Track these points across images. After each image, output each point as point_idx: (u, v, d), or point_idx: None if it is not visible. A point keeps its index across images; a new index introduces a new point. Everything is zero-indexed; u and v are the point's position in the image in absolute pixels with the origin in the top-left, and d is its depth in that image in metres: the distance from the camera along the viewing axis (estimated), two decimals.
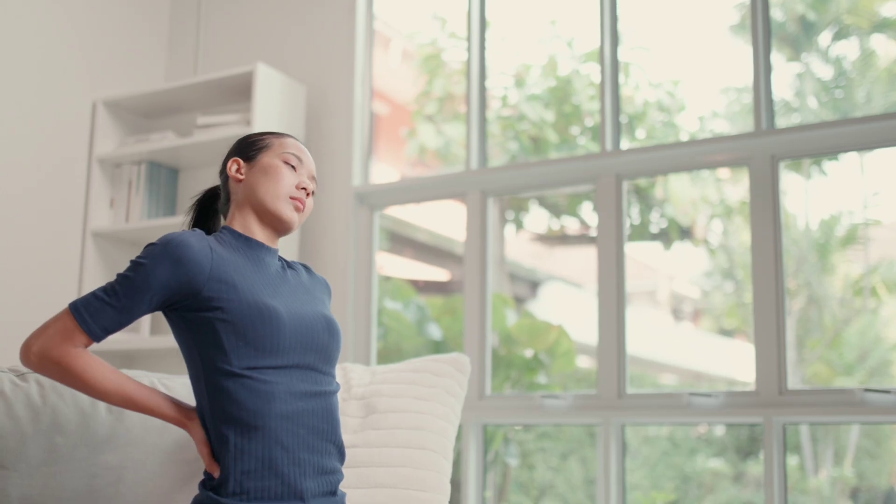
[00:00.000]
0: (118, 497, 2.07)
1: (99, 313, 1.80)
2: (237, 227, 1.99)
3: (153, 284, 1.81)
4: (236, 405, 1.81)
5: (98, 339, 1.82)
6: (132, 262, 1.84)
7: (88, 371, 1.80)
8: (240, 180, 2.00)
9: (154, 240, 1.87)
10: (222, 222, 2.11)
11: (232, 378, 1.81)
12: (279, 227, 1.98)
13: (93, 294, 1.82)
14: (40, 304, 3.89)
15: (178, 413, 1.87)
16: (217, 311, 1.83)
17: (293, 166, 1.99)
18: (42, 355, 1.80)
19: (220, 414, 1.82)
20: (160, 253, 1.83)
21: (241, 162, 2.01)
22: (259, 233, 1.99)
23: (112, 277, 4.07)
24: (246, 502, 1.79)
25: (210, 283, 1.83)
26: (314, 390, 1.88)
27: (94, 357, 1.83)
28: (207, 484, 1.84)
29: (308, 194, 2.00)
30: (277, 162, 1.98)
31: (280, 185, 1.96)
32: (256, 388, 1.81)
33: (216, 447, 1.84)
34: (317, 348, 1.90)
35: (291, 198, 1.97)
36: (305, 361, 1.88)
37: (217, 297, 1.83)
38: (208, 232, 2.08)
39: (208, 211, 2.13)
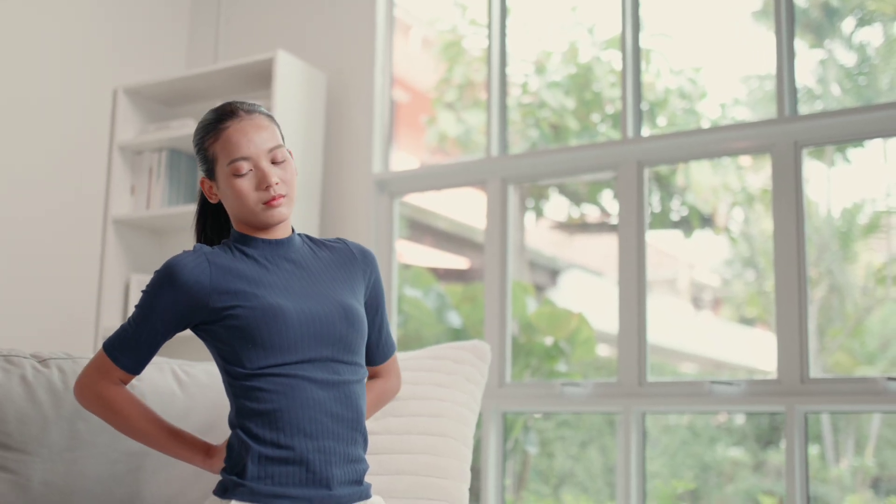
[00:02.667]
0: (139, 483, 2.08)
1: (127, 348, 1.89)
2: (239, 229, 1.95)
3: (160, 312, 1.87)
4: (256, 401, 1.82)
5: (133, 371, 1.91)
6: (142, 292, 1.90)
7: (126, 408, 1.89)
8: (218, 199, 1.96)
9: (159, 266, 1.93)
10: None
11: (249, 378, 1.83)
12: (271, 227, 1.93)
13: (120, 328, 1.91)
14: (62, 290, 3.92)
15: (204, 459, 1.91)
16: (227, 320, 1.84)
17: (247, 170, 1.87)
18: (83, 390, 1.90)
19: (243, 413, 1.83)
20: (158, 281, 1.87)
21: (209, 181, 1.95)
22: (262, 232, 1.94)
23: (132, 263, 4.09)
24: (270, 486, 1.79)
25: (213, 296, 1.84)
26: (335, 380, 1.86)
27: (133, 396, 1.91)
28: (231, 470, 1.84)
29: (272, 185, 1.87)
30: (230, 180, 1.88)
31: (245, 202, 1.88)
32: (274, 381, 1.82)
33: (236, 447, 1.84)
34: (333, 341, 1.88)
35: (264, 203, 1.88)
36: (322, 355, 1.86)
37: (224, 307, 1.84)
38: (221, 230, 2.06)
39: (212, 207, 2.07)
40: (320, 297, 1.90)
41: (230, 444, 1.86)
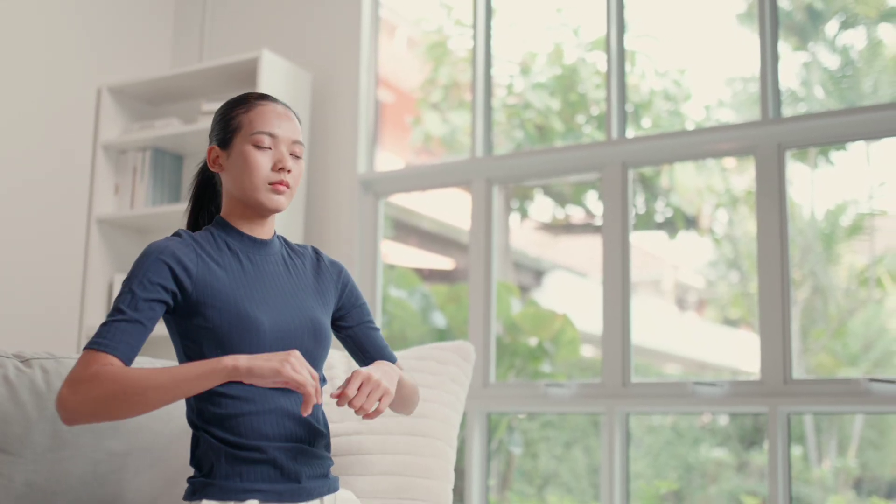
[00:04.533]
0: (122, 483, 2.07)
1: (116, 334, 1.73)
2: (229, 217, 1.92)
3: (150, 289, 1.76)
4: (219, 406, 1.80)
5: (125, 356, 1.73)
6: (126, 280, 1.80)
7: (130, 372, 1.69)
8: (219, 171, 1.93)
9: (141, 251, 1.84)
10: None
11: None
12: (265, 213, 1.91)
13: (100, 325, 1.76)
14: (45, 290, 3.90)
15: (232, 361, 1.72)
16: (201, 318, 1.80)
17: (267, 147, 1.87)
18: (74, 384, 1.68)
19: (206, 417, 1.81)
20: (148, 259, 1.79)
21: (219, 150, 1.92)
22: (249, 223, 1.92)
23: (116, 263, 4.07)
24: (240, 482, 1.77)
25: (197, 286, 1.81)
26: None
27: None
28: (198, 470, 1.83)
29: (288, 171, 1.88)
30: (248, 148, 1.87)
31: (254, 175, 1.86)
32: (239, 388, 1.79)
33: (201, 448, 1.81)
34: (311, 353, 1.88)
35: (270, 183, 1.86)
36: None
37: (202, 301, 1.80)
38: (210, 215, 2.03)
39: (209, 190, 2.04)
40: (293, 310, 1.88)
41: (194, 444, 1.84)
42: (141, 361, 2.21)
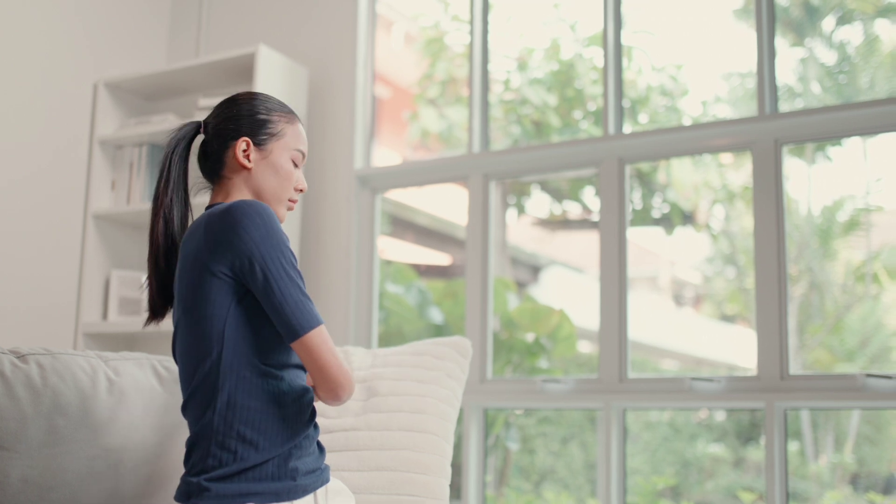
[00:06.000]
0: (118, 479, 2.07)
1: (314, 310, 1.79)
2: None
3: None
4: (267, 399, 1.78)
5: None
6: (279, 251, 1.75)
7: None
8: (246, 166, 1.89)
9: (238, 212, 1.76)
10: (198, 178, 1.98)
11: (271, 375, 1.79)
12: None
13: (295, 297, 1.74)
14: (42, 285, 3.90)
15: None
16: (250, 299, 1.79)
17: (297, 165, 1.94)
18: (346, 374, 1.80)
19: (241, 411, 1.77)
20: (269, 221, 1.76)
21: (251, 145, 1.89)
22: None
23: (113, 259, 4.07)
24: (237, 483, 1.75)
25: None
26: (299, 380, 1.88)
27: None
28: (193, 471, 1.78)
29: (303, 190, 1.97)
30: (286, 161, 1.91)
31: (285, 189, 1.92)
32: (293, 377, 1.83)
33: (203, 444, 1.78)
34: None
35: (290, 199, 1.94)
36: (299, 362, 1.87)
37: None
38: (168, 182, 1.93)
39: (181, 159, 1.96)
40: None
41: (193, 443, 1.80)
42: (138, 357, 2.21)
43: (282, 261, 1.75)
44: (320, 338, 1.75)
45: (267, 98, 1.96)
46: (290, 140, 1.93)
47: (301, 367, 1.84)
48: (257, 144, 1.90)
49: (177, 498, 1.80)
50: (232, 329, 1.76)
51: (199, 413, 1.79)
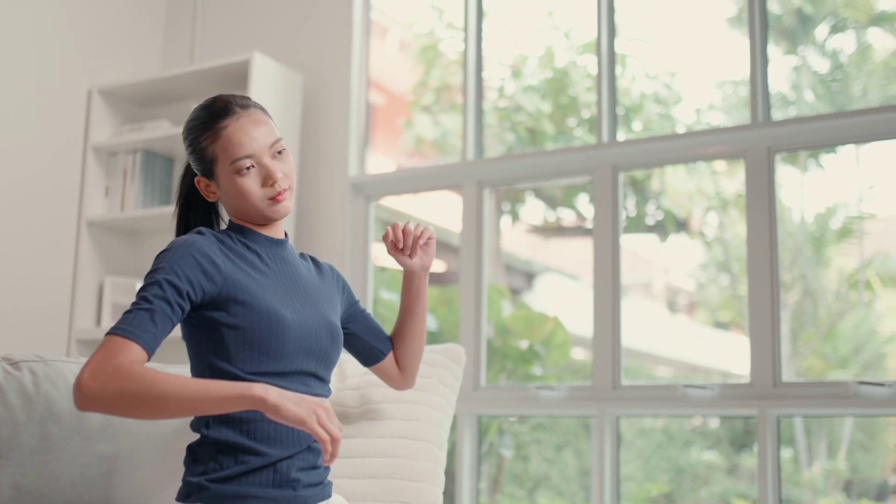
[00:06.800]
0: (111, 486, 2.07)
1: (141, 322, 1.67)
2: (241, 223, 1.91)
3: (179, 283, 1.73)
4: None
5: (150, 347, 1.67)
6: (150, 272, 1.75)
7: (154, 375, 1.62)
8: (217, 198, 1.91)
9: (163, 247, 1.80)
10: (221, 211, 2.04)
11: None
12: (272, 222, 1.91)
13: (125, 313, 1.70)
14: (35, 292, 3.89)
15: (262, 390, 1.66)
16: (224, 314, 1.78)
17: (249, 166, 1.82)
18: (95, 373, 1.61)
19: (220, 416, 1.79)
20: (178, 252, 1.76)
21: (206, 180, 1.89)
22: (261, 226, 1.92)
23: (106, 265, 4.06)
24: (236, 487, 1.77)
25: (227, 281, 1.79)
26: (306, 391, 1.84)
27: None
28: (194, 472, 1.81)
29: (277, 181, 1.84)
30: (233, 181, 1.83)
31: (250, 201, 1.84)
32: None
33: (202, 449, 1.81)
34: (318, 355, 1.87)
35: (269, 199, 1.85)
36: (307, 367, 1.85)
37: (232, 297, 1.78)
38: (198, 217, 2.00)
39: (196, 194, 2.00)
40: (312, 310, 1.89)
41: (197, 445, 1.83)
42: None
43: (150, 274, 1.74)
44: (105, 343, 1.66)
45: (191, 121, 1.89)
46: (223, 158, 1.83)
47: (292, 375, 1.84)
48: (207, 177, 1.89)
49: (177, 498, 1.82)
50: (204, 342, 1.82)
51: (203, 417, 1.81)
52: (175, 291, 1.72)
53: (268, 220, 1.89)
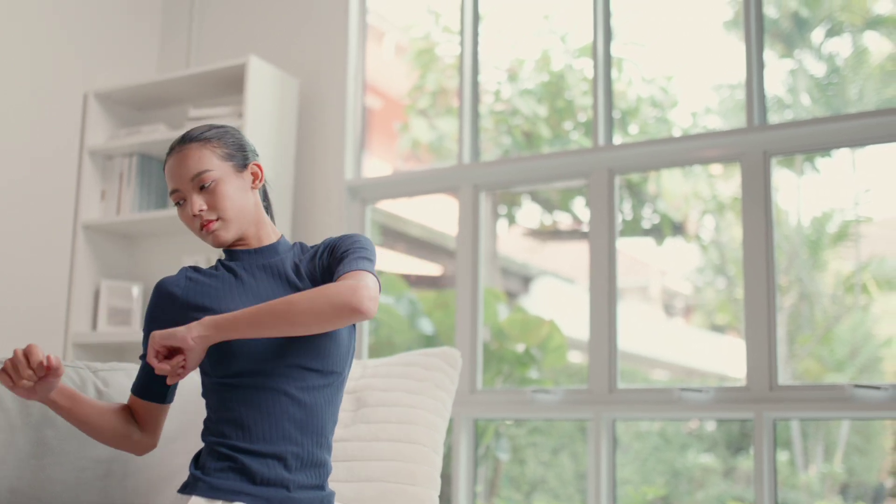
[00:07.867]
0: (106, 490, 2.07)
1: (139, 371, 1.99)
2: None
3: (149, 324, 1.96)
4: (219, 409, 1.87)
5: (135, 391, 1.97)
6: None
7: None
8: None
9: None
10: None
11: (213, 386, 1.89)
12: (216, 247, 1.99)
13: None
14: (31, 295, 3.89)
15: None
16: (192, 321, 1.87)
17: (180, 199, 1.93)
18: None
19: (210, 416, 1.90)
20: (150, 299, 2.00)
21: None
22: (240, 244, 1.99)
23: (102, 269, 4.06)
24: (230, 482, 1.81)
25: (183, 311, 1.91)
26: (299, 385, 1.85)
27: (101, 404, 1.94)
28: (194, 467, 1.87)
29: (196, 215, 1.90)
30: (177, 210, 1.97)
31: (190, 229, 1.96)
32: (235, 391, 1.86)
33: (205, 448, 1.89)
34: (300, 347, 1.85)
35: (200, 229, 1.93)
36: (289, 362, 1.85)
37: (189, 319, 1.87)
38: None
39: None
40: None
41: (199, 450, 1.91)
42: (129, 367, 2.21)
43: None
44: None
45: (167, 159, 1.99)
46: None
47: (273, 373, 1.86)
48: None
49: (179, 490, 1.87)
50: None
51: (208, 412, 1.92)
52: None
53: (214, 246, 1.98)
